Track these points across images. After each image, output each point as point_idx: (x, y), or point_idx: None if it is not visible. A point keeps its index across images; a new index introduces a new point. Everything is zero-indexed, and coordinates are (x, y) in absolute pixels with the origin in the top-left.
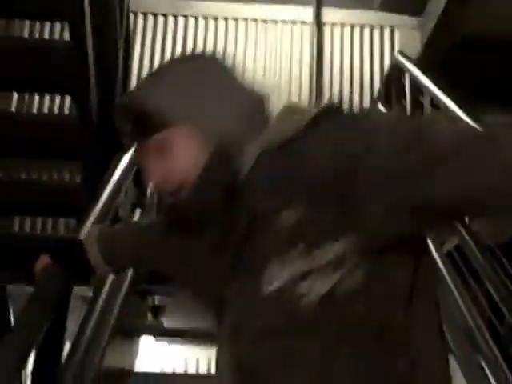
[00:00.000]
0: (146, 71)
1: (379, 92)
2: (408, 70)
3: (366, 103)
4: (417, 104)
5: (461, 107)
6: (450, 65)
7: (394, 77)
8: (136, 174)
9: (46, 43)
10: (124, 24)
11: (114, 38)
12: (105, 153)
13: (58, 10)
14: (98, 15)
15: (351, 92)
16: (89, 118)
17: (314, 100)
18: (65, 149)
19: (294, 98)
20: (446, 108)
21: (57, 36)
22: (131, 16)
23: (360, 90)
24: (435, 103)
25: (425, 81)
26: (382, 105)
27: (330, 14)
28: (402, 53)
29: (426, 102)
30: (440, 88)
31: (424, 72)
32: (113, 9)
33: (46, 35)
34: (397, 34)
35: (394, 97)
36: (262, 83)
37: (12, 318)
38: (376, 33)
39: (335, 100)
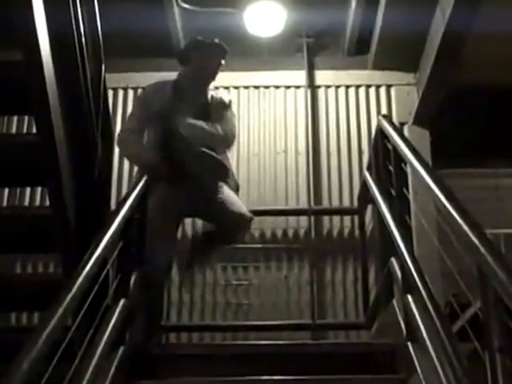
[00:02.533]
0: None
1: (369, 156)
2: (390, 136)
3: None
4: (402, 170)
5: (439, 182)
6: (444, 118)
7: (379, 141)
8: None
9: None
10: (101, 104)
11: (87, 125)
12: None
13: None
14: (68, 105)
15: (349, 154)
16: (63, 210)
17: (311, 163)
18: (41, 242)
19: (292, 164)
20: (424, 180)
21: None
22: (111, 92)
23: (358, 150)
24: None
25: (403, 147)
26: (369, 170)
27: (324, 77)
28: (385, 116)
29: (409, 169)
30: (418, 156)
31: (421, 125)
32: (83, 94)
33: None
34: (393, 92)
35: (381, 162)
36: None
37: None
38: (372, 91)
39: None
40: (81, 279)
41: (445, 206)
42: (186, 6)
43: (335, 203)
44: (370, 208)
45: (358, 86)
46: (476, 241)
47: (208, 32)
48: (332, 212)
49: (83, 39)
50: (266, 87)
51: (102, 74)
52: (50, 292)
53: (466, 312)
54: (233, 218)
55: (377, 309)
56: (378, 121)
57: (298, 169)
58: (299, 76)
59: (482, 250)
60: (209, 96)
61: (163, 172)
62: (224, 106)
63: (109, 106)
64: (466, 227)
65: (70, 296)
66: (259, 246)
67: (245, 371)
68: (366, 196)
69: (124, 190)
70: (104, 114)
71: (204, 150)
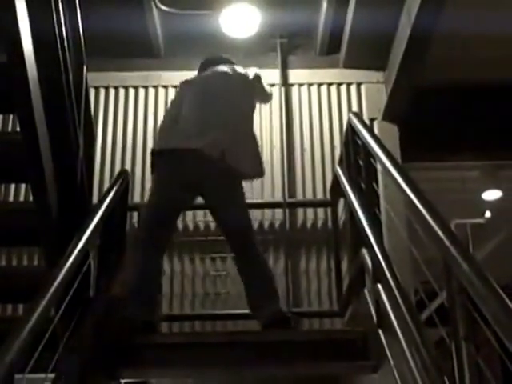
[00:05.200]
0: (109, 143)
1: (341, 151)
2: (360, 132)
3: (337, 159)
4: (371, 165)
5: (404, 175)
6: (412, 113)
7: (349, 137)
8: None
9: None
10: (83, 102)
11: (69, 123)
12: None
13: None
14: (51, 104)
15: (322, 149)
16: (46, 205)
17: (285, 158)
18: (25, 236)
19: (267, 159)
20: (391, 173)
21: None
22: (93, 91)
23: (330, 145)
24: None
25: (372, 143)
26: (340, 165)
27: (297, 75)
28: (355, 114)
29: (378, 164)
30: (385, 151)
31: (390, 121)
32: (66, 93)
33: None
34: (363, 89)
35: (352, 157)
36: None
37: None
38: (343, 89)
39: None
40: (63, 272)
41: (411, 200)
42: (165, 8)
43: (309, 196)
44: (342, 201)
45: (329, 84)
46: (441, 233)
47: (186, 33)
48: (306, 204)
49: (65, 40)
50: None
51: (84, 73)
52: (34, 284)
53: (434, 301)
54: None
55: (349, 297)
56: (349, 117)
57: (273, 163)
58: (273, 74)
59: (447, 242)
60: None
61: None
62: None
63: (90, 104)
64: (431, 220)
65: (52, 288)
66: None
67: (223, 359)
68: (338, 189)
69: (105, 185)
70: (86, 112)
71: None
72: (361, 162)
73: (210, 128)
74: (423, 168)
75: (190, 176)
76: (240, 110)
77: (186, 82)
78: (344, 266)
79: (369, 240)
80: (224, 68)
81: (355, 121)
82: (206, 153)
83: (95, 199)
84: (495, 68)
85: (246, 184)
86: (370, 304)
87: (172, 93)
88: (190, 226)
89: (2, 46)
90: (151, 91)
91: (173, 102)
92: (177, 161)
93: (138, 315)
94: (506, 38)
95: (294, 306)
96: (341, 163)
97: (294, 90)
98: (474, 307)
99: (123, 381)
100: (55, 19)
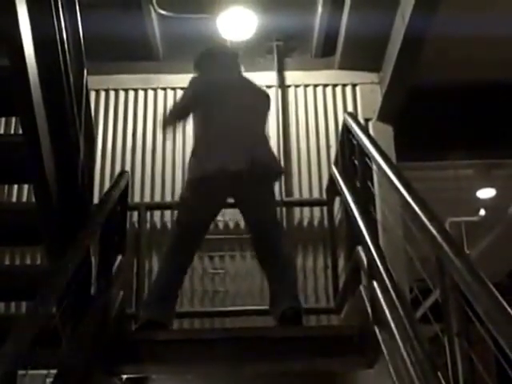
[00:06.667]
0: (109, 145)
1: (336, 151)
2: (355, 132)
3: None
4: (366, 164)
5: (399, 174)
6: (407, 114)
7: (345, 137)
8: None
9: None
10: (83, 105)
11: (70, 125)
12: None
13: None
14: (52, 107)
15: (318, 149)
16: (48, 205)
17: (282, 159)
18: (28, 235)
19: None
20: (385, 173)
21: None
22: (93, 93)
23: (326, 145)
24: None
25: (366, 143)
26: (336, 164)
27: (293, 77)
28: (350, 114)
29: (373, 164)
30: (380, 151)
31: (385, 121)
32: (66, 96)
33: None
34: (358, 90)
35: (347, 157)
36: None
37: None
38: (338, 90)
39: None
40: (65, 270)
41: (405, 199)
42: (163, 12)
43: (305, 195)
44: (338, 199)
45: (325, 85)
46: (434, 231)
47: (184, 36)
48: (302, 203)
49: (66, 43)
50: None
51: (84, 76)
52: (36, 282)
53: (429, 298)
54: None
55: (346, 294)
56: (344, 118)
57: None
58: (270, 76)
59: (439, 240)
60: None
61: None
62: None
63: (91, 106)
64: (424, 219)
65: (54, 286)
66: (234, 236)
67: (221, 355)
68: (333, 188)
69: (106, 186)
70: (86, 115)
71: None
72: (356, 162)
73: (239, 139)
74: (418, 167)
75: (226, 192)
76: (258, 114)
77: (206, 85)
78: (340, 263)
79: (364, 238)
80: (237, 73)
81: (350, 121)
82: (242, 166)
83: (96, 199)
84: (488, 68)
85: None
86: (366, 301)
87: (171, 95)
88: None
89: (4, 50)
90: (150, 93)
91: (194, 101)
92: (216, 182)
93: (153, 316)
94: (499, 39)
95: None
96: (336, 163)
97: (291, 92)
98: (467, 304)
99: (124, 377)
100: (56, 23)
